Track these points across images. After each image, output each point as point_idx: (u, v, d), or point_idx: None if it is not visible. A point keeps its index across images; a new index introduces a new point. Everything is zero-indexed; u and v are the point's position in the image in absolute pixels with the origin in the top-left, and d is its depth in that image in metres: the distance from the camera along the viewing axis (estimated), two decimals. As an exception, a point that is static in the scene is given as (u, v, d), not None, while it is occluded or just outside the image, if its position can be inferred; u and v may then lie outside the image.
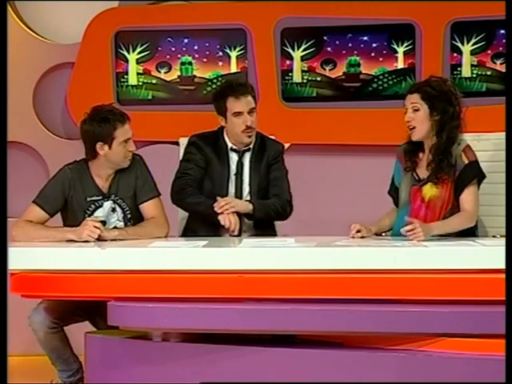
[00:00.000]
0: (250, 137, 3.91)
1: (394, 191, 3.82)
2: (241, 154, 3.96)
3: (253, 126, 3.90)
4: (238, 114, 3.88)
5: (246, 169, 3.96)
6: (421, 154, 3.70)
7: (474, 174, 3.58)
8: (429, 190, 3.63)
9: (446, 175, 3.59)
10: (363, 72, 4.87)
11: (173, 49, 5.00)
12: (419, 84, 3.73)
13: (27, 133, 5.08)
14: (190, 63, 4.98)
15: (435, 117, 3.60)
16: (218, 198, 3.77)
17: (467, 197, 3.56)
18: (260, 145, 3.98)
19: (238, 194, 3.93)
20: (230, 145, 3.96)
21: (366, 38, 4.87)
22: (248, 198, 3.92)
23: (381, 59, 4.86)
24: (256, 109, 3.95)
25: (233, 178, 3.94)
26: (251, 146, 3.97)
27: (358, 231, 3.57)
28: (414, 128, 3.63)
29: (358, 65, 4.87)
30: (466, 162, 3.57)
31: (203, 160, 3.93)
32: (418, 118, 3.62)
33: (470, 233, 3.59)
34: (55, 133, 5.14)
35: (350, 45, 4.88)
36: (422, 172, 3.68)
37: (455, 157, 3.59)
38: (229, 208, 3.72)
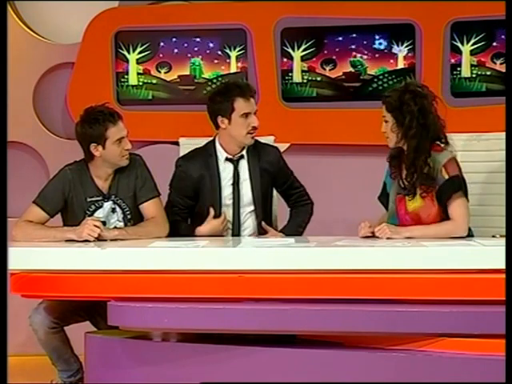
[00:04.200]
0: (252, 138, 3.89)
1: (384, 197, 3.82)
2: (236, 163, 3.93)
3: (257, 128, 3.89)
4: (246, 114, 3.85)
5: (243, 177, 3.92)
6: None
7: (453, 189, 3.53)
8: (411, 201, 3.62)
9: (425, 187, 3.55)
10: (368, 72, 4.87)
11: (173, 49, 5.00)
12: (385, 95, 3.71)
13: (27, 133, 5.08)
14: (199, 64, 4.98)
15: (399, 127, 3.60)
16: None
17: (454, 208, 3.52)
18: (254, 150, 3.95)
19: (236, 204, 3.90)
20: (224, 155, 3.92)
21: (366, 38, 4.87)
22: (250, 207, 3.91)
23: (381, 59, 4.86)
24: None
25: (229, 188, 3.91)
26: (244, 153, 3.94)
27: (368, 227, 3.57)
28: (388, 137, 3.66)
29: (362, 64, 4.87)
30: (446, 177, 3.53)
31: (190, 187, 3.90)
32: (387, 129, 3.65)
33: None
34: (55, 133, 5.13)
35: (350, 45, 4.88)
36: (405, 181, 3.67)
37: (436, 171, 3.55)
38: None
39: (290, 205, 4.06)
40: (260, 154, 3.95)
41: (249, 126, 3.84)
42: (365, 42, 4.87)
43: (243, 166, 3.93)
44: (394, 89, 3.72)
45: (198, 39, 4.99)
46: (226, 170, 3.92)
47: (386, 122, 3.65)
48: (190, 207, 3.93)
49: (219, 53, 4.98)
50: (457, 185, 3.54)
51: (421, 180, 3.56)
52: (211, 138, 3.97)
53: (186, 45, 4.98)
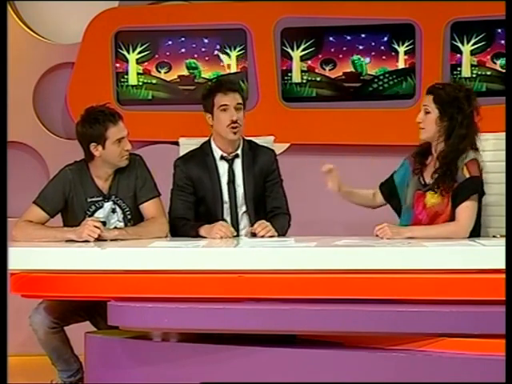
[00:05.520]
0: (235, 133, 3.85)
1: (386, 188, 3.82)
2: (231, 162, 3.93)
3: (239, 122, 3.85)
4: (224, 107, 3.84)
5: (238, 176, 3.93)
6: (430, 158, 3.69)
7: (472, 189, 3.54)
8: (431, 197, 3.62)
9: (447, 186, 3.56)
10: (368, 72, 4.87)
11: (173, 49, 5.00)
12: (435, 85, 3.68)
13: (27, 133, 5.08)
14: (196, 67, 4.98)
15: (444, 122, 3.59)
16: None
17: (462, 209, 3.53)
18: (250, 151, 3.95)
19: (233, 203, 3.91)
20: (219, 153, 3.93)
21: (366, 38, 4.87)
22: (244, 206, 3.91)
23: (381, 59, 4.86)
24: (244, 108, 3.91)
25: (225, 187, 3.92)
26: (239, 153, 3.94)
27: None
28: (423, 129, 3.63)
29: (362, 64, 4.87)
30: (467, 176, 3.54)
31: (190, 185, 3.90)
32: (427, 120, 3.61)
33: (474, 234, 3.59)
34: (55, 133, 5.14)
35: (350, 45, 4.88)
36: (428, 177, 3.66)
37: (458, 169, 3.56)
38: (266, 233, 3.69)
39: (268, 210, 3.96)
40: (255, 155, 3.96)
41: (228, 119, 3.84)
42: (365, 42, 4.87)
43: (238, 165, 3.94)
44: (449, 83, 3.67)
45: (197, 39, 4.98)
46: (221, 169, 3.92)
47: (428, 113, 3.61)
48: (190, 207, 3.92)
49: (219, 53, 4.98)
50: (475, 186, 3.55)
51: (444, 178, 3.56)
52: (207, 139, 3.98)
53: (194, 45, 4.98)
